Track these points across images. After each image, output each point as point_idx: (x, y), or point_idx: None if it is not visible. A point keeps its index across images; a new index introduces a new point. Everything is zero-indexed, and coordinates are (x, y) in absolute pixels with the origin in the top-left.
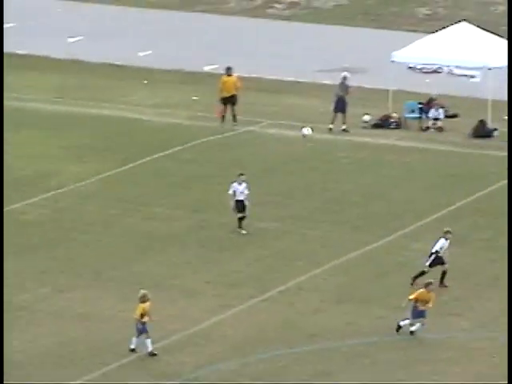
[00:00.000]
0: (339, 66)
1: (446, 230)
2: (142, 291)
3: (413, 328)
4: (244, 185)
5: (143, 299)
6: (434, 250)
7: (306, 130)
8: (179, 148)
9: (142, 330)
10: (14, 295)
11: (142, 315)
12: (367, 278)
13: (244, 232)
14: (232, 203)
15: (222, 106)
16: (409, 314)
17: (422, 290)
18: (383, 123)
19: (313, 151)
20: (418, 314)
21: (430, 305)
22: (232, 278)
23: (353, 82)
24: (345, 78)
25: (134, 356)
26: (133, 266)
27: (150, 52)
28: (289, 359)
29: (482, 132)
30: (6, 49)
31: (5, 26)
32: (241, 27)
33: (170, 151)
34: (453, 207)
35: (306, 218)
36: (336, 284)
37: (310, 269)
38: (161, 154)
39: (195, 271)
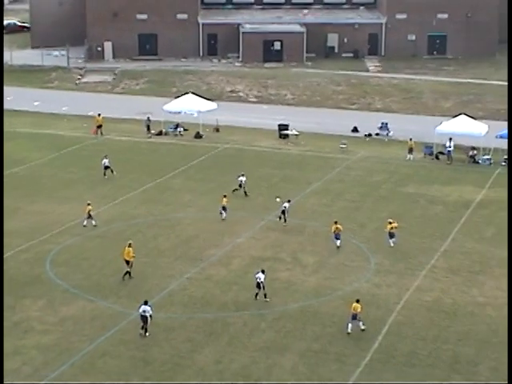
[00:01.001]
0: None
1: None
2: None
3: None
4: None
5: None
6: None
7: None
8: (78, 146)
9: None
10: None
11: None
12: None
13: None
14: None
15: (96, 129)
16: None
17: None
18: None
19: None
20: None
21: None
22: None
23: None
24: None
25: None
26: None
27: None
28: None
29: (198, 135)
30: None
31: None
32: None
33: (72, 148)
34: (184, 167)
35: None
36: None
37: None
38: (67, 149)
39: None
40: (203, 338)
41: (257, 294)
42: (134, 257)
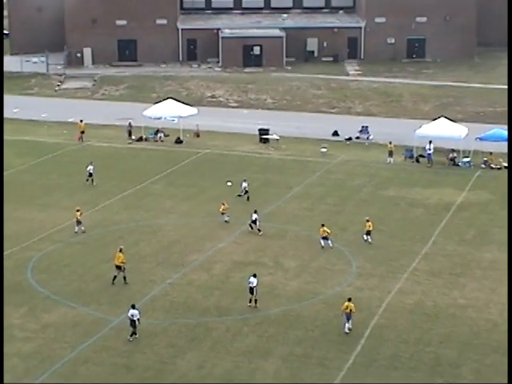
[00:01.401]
0: None
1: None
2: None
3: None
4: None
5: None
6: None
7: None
8: (58, 152)
9: None
10: None
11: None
12: None
13: None
14: None
15: (79, 135)
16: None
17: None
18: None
19: None
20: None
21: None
22: None
23: None
24: None
25: None
26: None
27: None
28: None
29: (178, 141)
30: None
31: None
32: None
33: (53, 154)
34: (165, 172)
35: None
36: None
37: None
38: (47, 156)
39: None
40: (186, 343)
41: (250, 300)
42: (124, 262)
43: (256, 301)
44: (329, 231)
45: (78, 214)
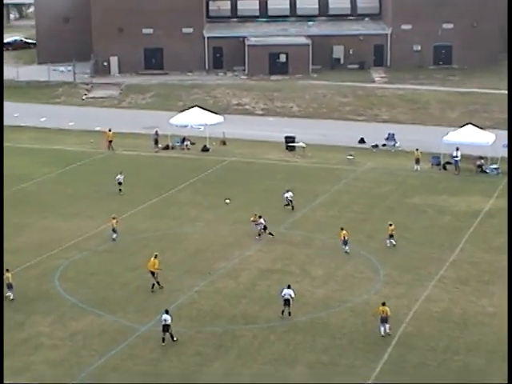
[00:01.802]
0: None
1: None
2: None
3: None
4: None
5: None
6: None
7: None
8: (85, 161)
9: None
10: None
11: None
12: None
13: None
14: None
15: (108, 144)
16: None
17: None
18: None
19: None
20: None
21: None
22: None
23: None
24: None
25: None
26: None
27: None
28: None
29: (205, 149)
30: None
31: None
32: None
33: (80, 163)
34: (191, 181)
35: None
36: None
37: None
38: (74, 165)
39: None
40: (212, 351)
41: (283, 312)
42: (159, 268)
43: (290, 313)
44: (347, 235)
45: (114, 221)
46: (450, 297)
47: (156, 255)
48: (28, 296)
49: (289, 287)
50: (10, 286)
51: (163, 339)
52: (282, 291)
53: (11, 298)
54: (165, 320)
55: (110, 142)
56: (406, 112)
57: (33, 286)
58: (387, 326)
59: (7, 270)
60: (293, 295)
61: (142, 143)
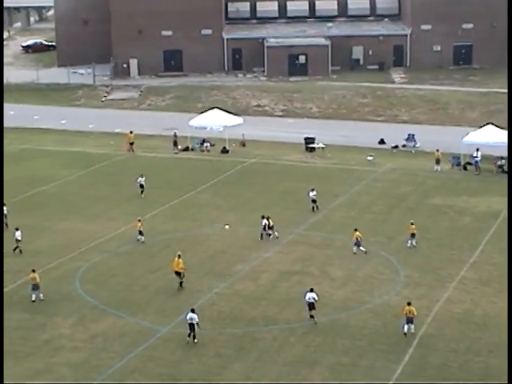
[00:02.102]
0: None
1: None
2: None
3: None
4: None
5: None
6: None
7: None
8: (105, 163)
9: None
10: None
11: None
12: None
13: None
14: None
15: (129, 146)
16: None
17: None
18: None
19: None
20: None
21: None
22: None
23: None
24: None
25: None
26: None
27: None
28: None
29: (224, 150)
30: None
31: None
32: None
33: (100, 165)
34: (211, 182)
35: None
36: None
37: None
38: (94, 167)
39: None
40: (233, 353)
41: (311, 316)
42: (184, 268)
43: (313, 316)
44: (361, 236)
45: (140, 224)
46: (471, 298)
47: (179, 255)
48: (49, 297)
49: (311, 291)
50: (36, 287)
51: (194, 337)
52: (305, 295)
53: (41, 298)
54: (191, 319)
55: (132, 143)
56: (426, 112)
57: (54, 287)
58: (412, 326)
59: (33, 271)
60: (316, 298)
61: (162, 145)
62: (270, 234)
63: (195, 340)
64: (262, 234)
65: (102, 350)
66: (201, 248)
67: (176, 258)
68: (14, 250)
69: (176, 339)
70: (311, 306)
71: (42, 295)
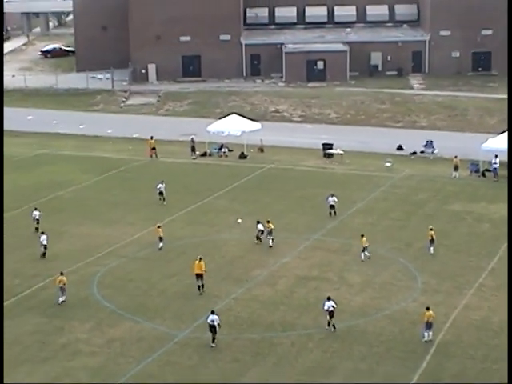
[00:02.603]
0: None
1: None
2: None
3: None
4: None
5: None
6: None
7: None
8: (123, 168)
9: None
10: None
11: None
12: None
13: None
14: None
15: (151, 151)
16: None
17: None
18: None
19: None
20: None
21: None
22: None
23: None
24: None
25: None
26: None
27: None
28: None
29: (242, 156)
30: None
31: None
32: None
33: (118, 170)
34: (228, 187)
35: None
36: None
37: None
38: (112, 172)
39: None
40: (250, 358)
41: (329, 324)
42: (205, 271)
43: (334, 325)
44: (367, 244)
45: (160, 230)
46: (489, 305)
47: (200, 258)
48: (67, 302)
49: (329, 299)
50: (63, 290)
51: (213, 339)
52: (324, 305)
53: (63, 300)
54: (212, 320)
55: (153, 149)
56: (445, 119)
57: (71, 292)
58: (431, 332)
59: (62, 274)
60: (335, 306)
61: (180, 150)
62: (260, 240)
63: (213, 344)
64: (257, 237)
65: (120, 354)
66: (218, 253)
67: (197, 261)
68: (43, 254)
69: (193, 344)
70: (331, 314)
71: (64, 297)
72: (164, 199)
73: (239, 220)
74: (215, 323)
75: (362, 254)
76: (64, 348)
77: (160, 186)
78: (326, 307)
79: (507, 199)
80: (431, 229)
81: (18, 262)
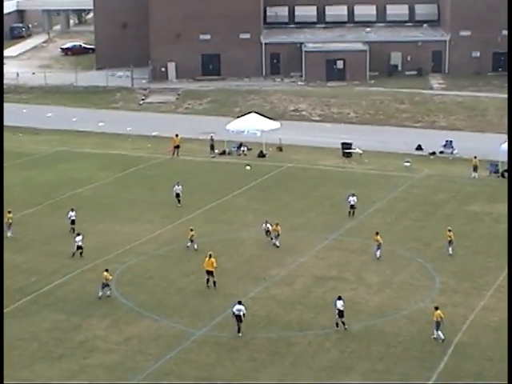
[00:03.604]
0: None
1: None
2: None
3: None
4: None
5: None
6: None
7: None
8: (142, 166)
9: None
10: None
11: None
12: None
13: None
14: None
15: (172, 148)
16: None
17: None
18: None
19: None
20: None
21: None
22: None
23: None
24: None
25: None
26: None
27: None
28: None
29: (261, 154)
30: None
31: None
32: None
33: (137, 168)
34: (247, 186)
35: None
36: None
37: None
38: (131, 169)
39: None
40: (267, 357)
41: (338, 324)
42: (216, 267)
43: (344, 323)
44: (381, 241)
45: (192, 232)
46: (508, 306)
47: (210, 254)
48: (85, 299)
49: (340, 298)
50: (106, 286)
51: (239, 330)
52: (335, 304)
53: (107, 295)
54: (238, 310)
55: (177, 147)
56: (464, 119)
57: (89, 289)
58: (439, 332)
59: (106, 270)
60: (343, 304)
61: (199, 148)
62: (272, 238)
63: (240, 333)
64: (266, 232)
65: (137, 352)
66: (236, 252)
67: (207, 258)
68: (80, 253)
69: (210, 342)
70: (341, 313)
71: (109, 292)
72: (179, 201)
73: (248, 167)
74: (241, 313)
75: (378, 252)
76: (81, 345)
77: (176, 187)
78: (338, 305)
79: (507, 200)
80: (449, 230)
81: (36, 259)
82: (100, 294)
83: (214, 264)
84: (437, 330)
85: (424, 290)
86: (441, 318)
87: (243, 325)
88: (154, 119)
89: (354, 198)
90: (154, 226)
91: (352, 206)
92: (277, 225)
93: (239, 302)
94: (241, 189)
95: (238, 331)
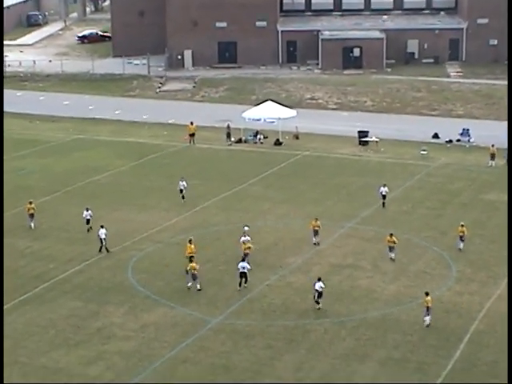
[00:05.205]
0: None
1: None
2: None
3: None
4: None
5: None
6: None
7: None
8: (159, 153)
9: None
10: None
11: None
12: None
13: None
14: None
15: (188, 136)
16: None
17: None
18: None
19: None
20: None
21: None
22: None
23: None
24: None
25: None
26: None
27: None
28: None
29: (278, 142)
30: None
31: None
32: None
33: (153, 156)
34: (263, 174)
35: None
36: None
37: None
38: (147, 157)
39: None
40: (283, 345)
41: (317, 302)
42: (192, 253)
43: (318, 302)
44: (396, 241)
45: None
46: None
47: (190, 240)
48: (102, 286)
49: (319, 280)
50: (195, 277)
51: (245, 281)
52: (314, 285)
53: (198, 288)
54: (242, 267)
55: (192, 135)
56: (481, 107)
57: (106, 276)
58: (428, 317)
59: (191, 261)
60: (323, 286)
61: (215, 136)
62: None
63: (246, 284)
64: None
65: (154, 339)
66: (253, 240)
67: (188, 244)
68: (100, 248)
69: (227, 330)
70: (320, 294)
71: (198, 285)
72: (183, 197)
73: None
74: (245, 270)
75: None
76: (99, 332)
77: (181, 183)
78: (316, 287)
79: (507, 194)
80: (462, 225)
81: (53, 246)
82: (189, 284)
83: (190, 250)
84: (426, 315)
85: (440, 279)
86: (431, 303)
87: (257, 316)
88: (170, 107)
89: (386, 188)
90: (171, 213)
91: (384, 197)
92: (316, 220)
93: (243, 260)
94: (257, 177)
95: (239, 285)
